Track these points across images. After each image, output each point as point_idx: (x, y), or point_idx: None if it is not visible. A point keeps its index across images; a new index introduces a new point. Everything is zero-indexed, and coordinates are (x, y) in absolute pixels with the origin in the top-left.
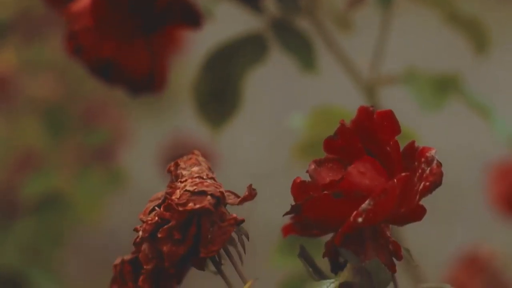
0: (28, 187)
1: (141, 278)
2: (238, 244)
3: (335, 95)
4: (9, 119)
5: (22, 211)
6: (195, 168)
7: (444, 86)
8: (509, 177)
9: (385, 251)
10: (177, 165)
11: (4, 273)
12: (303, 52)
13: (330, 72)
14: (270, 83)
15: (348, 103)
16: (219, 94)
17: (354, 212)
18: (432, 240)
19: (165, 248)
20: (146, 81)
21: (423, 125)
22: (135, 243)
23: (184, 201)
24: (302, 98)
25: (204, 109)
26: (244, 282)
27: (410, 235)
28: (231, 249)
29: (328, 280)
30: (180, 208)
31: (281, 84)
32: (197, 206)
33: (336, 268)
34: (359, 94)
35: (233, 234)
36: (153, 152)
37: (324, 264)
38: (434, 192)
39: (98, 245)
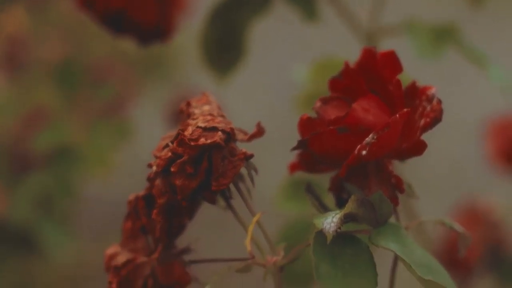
0: (39, 140)
1: (154, 211)
2: (248, 180)
3: (336, 46)
4: (21, 78)
5: (33, 165)
6: (206, 107)
7: (442, 36)
8: (507, 132)
9: (387, 185)
10: (188, 104)
11: (16, 226)
12: (305, 2)
13: (331, 23)
14: (273, 36)
15: (349, 54)
16: (225, 43)
17: (358, 146)
18: (432, 195)
19: (178, 182)
20: (155, 30)
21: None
22: (149, 179)
23: (196, 136)
24: (304, 51)
25: (211, 58)
26: (253, 215)
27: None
28: (241, 185)
29: (333, 211)
30: (192, 143)
31: (283, 37)
32: (209, 141)
33: (341, 203)
34: (360, 45)
35: (243, 170)
36: (159, 108)
37: (329, 204)
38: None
39: (109, 199)
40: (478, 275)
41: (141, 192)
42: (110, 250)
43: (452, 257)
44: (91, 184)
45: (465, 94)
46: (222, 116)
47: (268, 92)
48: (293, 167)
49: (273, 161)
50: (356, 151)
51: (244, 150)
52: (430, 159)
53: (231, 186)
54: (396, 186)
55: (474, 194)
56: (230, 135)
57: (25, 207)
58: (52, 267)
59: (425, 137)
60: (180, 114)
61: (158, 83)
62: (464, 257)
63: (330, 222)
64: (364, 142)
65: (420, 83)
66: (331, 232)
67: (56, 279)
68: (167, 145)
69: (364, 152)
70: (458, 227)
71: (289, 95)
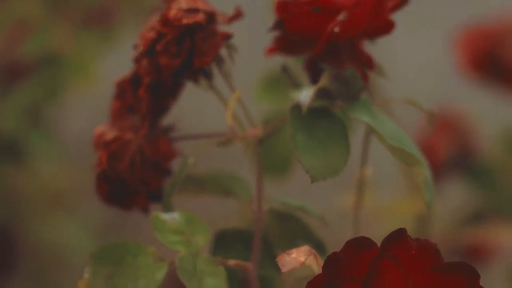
0: (26, 48)
1: (141, 89)
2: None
3: None
4: None
5: (21, 75)
6: None
7: None
8: (477, 42)
9: (359, 63)
10: None
11: (4, 136)
12: None
13: None
14: None
15: None
16: None
17: (331, 24)
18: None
19: (162, 61)
20: None
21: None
22: (135, 59)
23: (179, 17)
24: None
25: None
26: (234, 92)
27: None
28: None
29: (308, 86)
30: (176, 23)
31: None
32: (191, 21)
33: (315, 81)
34: None
35: (224, 51)
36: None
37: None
38: None
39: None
40: (447, 177)
41: (128, 74)
42: (99, 129)
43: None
44: (79, 92)
45: None
46: (203, 1)
47: None
48: (270, 51)
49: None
50: (329, 28)
51: (225, 30)
52: (398, 62)
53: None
54: (367, 64)
55: (444, 100)
56: (211, 16)
57: (13, 118)
58: (37, 178)
59: (393, 39)
60: (164, 3)
61: None
62: (432, 159)
63: (305, 95)
64: (337, 19)
65: None
66: (306, 104)
67: (41, 190)
68: (151, 28)
69: (336, 29)
70: (426, 106)
71: None
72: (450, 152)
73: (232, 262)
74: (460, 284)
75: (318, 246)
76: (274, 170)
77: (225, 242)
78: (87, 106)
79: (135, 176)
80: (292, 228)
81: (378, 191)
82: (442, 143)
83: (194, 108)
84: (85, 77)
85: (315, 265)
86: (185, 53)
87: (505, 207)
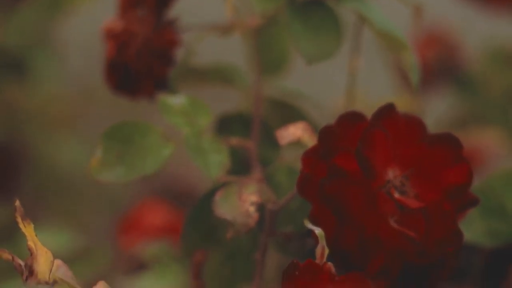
0: None
1: None
2: None
3: None
4: None
5: None
6: None
7: None
8: None
9: None
10: None
11: (8, 53)
12: None
13: None
14: None
15: None
16: None
17: None
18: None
19: None
20: None
21: None
22: None
23: None
24: None
25: None
26: None
27: None
28: None
29: None
30: None
31: None
32: None
33: None
34: None
35: None
36: None
37: None
38: None
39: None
40: (434, 87)
41: None
42: (108, 22)
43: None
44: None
45: None
46: None
47: None
48: None
49: None
50: None
51: None
52: None
53: None
54: None
55: (431, 15)
56: None
57: (17, 35)
58: (40, 96)
59: None
60: None
61: None
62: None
63: None
64: None
65: None
66: None
67: (43, 108)
68: None
69: None
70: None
71: None
72: (437, 64)
73: (234, 140)
74: (445, 154)
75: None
76: (271, 67)
77: (227, 125)
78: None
79: (142, 64)
80: (289, 115)
81: (369, 90)
82: (429, 55)
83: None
84: None
85: (311, 141)
86: None
87: (487, 114)
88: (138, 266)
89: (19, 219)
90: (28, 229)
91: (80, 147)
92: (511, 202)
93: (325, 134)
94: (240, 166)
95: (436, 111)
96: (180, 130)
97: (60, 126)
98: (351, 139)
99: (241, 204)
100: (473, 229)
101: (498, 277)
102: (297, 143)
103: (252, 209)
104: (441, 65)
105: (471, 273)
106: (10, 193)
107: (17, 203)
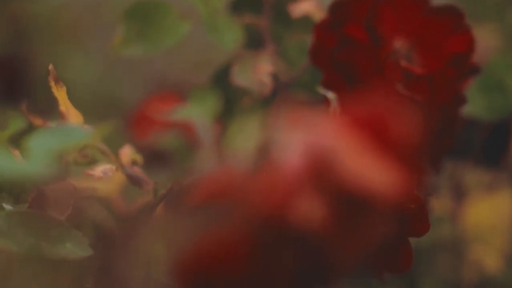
0: None
1: None
2: None
3: None
4: None
5: None
6: None
7: None
8: None
9: None
10: None
11: None
12: None
13: None
14: None
15: None
16: None
17: None
18: None
19: None
20: None
21: None
22: None
23: None
24: None
25: None
26: None
27: None
28: None
29: None
30: None
31: None
32: None
33: None
34: None
35: None
36: None
37: None
38: None
39: None
40: None
41: None
42: None
43: None
44: None
45: None
46: None
47: None
48: None
49: None
50: None
51: None
52: None
53: None
54: None
55: None
56: None
57: None
58: (49, 7)
59: None
60: None
61: None
62: None
63: None
64: None
65: None
66: None
67: (52, 20)
68: None
69: None
70: None
71: None
72: None
73: (247, 18)
74: (448, 23)
75: None
76: None
77: (242, 4)
78: None
79: None
80: None
81: None
82: None
83: None
84: None
85: (320, 15)
86: None
87: (483, 13)
88: (152, 156)
89: (52, 83)
90: (60, 93)
91: (87, 58)
92: (511, 77)
93: (336, 7)
94: (254, 42)
95: None
96: (197, 9)
97: (67, 37)
98: (360, 11)
99: (256, 74)
100: (473, 104)
101: (497, 151)
102: (307, 22)
103: (266, 78)
104: None
105: (472, 148)
106: (16, 104)
107: (51, 66)
